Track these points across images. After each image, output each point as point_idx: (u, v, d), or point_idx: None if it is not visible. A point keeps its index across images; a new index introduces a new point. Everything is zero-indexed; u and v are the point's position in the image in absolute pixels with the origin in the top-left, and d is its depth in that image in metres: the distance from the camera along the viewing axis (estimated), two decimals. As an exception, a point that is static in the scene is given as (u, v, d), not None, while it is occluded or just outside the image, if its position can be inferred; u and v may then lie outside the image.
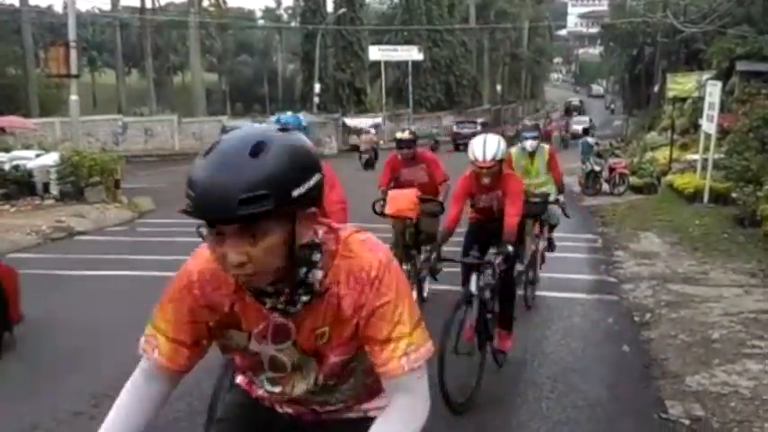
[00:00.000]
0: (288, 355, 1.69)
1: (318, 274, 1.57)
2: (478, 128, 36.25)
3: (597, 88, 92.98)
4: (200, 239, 1.47)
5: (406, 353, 1.58)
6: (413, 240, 6.81)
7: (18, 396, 4.79)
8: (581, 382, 5.10)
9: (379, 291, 1.58)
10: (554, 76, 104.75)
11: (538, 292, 7.43)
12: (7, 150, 16.79)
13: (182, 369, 1.71)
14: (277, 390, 1.77)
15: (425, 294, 6.98)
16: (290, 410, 1.87)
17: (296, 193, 1.38)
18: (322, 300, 1.59)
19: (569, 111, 61.57)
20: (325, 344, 1.66)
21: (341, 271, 1.59)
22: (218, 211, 1.34)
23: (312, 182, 1.42)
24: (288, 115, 7.20)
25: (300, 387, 1.75)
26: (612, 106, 74.57)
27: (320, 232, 1.58)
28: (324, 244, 1.58)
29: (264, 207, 1.34)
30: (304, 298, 1.58)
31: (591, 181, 18.30)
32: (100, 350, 5.69)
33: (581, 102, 72.06)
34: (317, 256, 1.56)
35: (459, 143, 35.16)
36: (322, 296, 1.59)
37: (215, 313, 1.65)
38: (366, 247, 1.62)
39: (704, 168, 14.09)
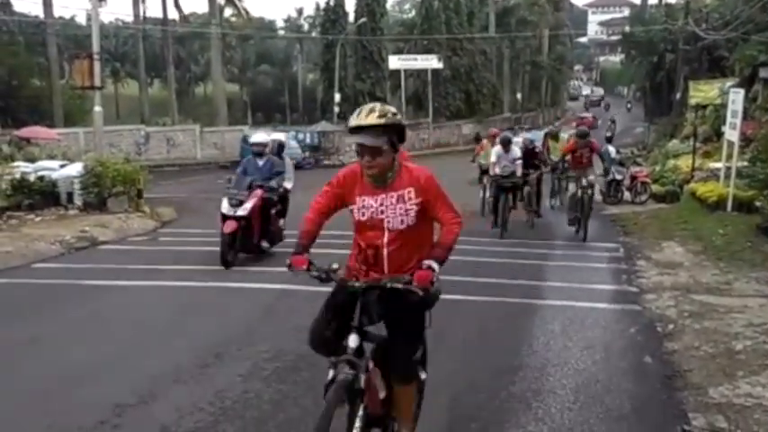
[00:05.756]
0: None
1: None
2: None
3: None
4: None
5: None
6: None
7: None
8: (603, 394, 5.07)
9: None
10: (574, 83, 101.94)
11: (559, 302, 7.68)
12: (32, 161, 16.97)
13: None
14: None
15: None
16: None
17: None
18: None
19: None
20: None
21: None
22: None
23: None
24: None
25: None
26: (629, 105, 73.19)
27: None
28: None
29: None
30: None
31: (612, 189, 18.20)
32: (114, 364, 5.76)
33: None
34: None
35: None
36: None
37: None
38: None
39: (727, 176, 13.93)
